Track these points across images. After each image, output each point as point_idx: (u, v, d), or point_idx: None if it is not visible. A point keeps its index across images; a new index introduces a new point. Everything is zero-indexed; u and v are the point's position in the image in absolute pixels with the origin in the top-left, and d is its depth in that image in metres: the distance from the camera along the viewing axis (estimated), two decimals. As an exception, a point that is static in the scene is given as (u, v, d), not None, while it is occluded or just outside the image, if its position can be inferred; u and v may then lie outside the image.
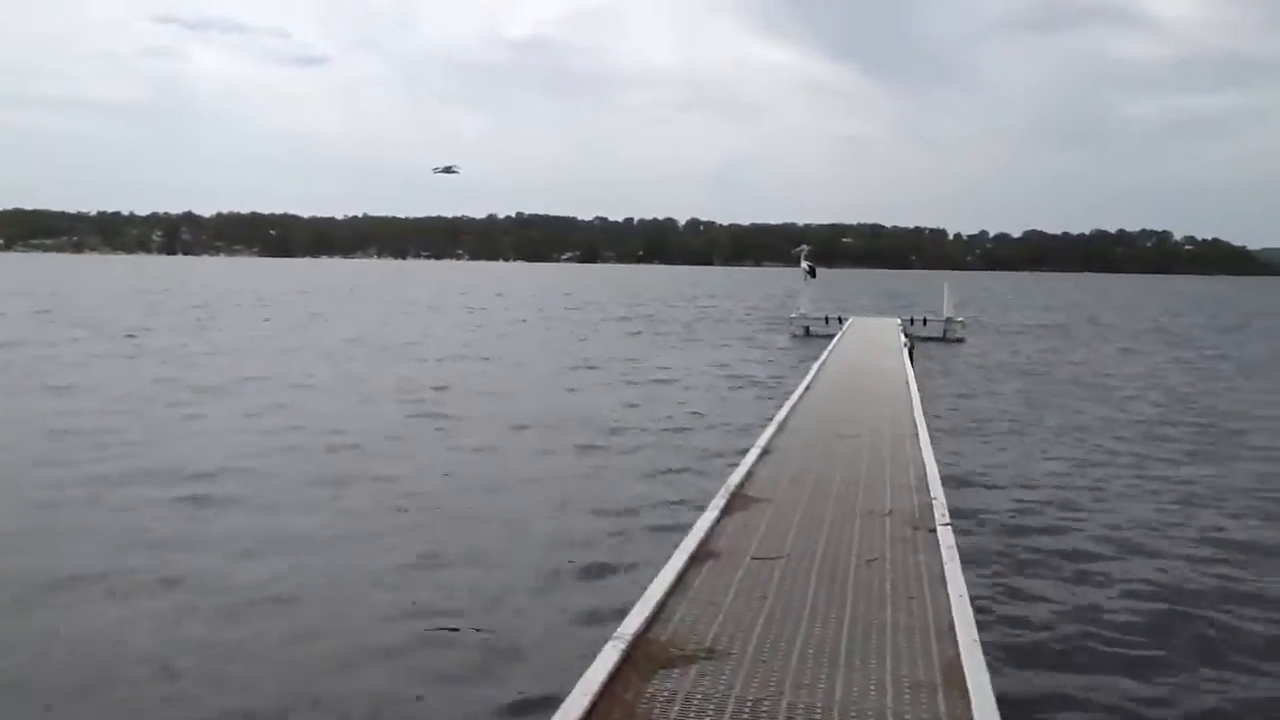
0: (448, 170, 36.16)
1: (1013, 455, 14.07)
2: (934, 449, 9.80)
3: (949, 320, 34.29)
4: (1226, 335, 42.74)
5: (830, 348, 21.09)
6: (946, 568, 6.00)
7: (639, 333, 35.95)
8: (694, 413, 17.01)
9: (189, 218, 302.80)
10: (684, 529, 7.03)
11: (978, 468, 13.01)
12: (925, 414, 12.32)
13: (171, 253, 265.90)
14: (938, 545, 6.51)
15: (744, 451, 9.80)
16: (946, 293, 34.98)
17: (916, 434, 10.70)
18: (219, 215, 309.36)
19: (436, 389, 19.24)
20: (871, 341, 24.26)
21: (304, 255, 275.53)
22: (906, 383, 15.49)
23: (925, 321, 34.45)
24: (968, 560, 6.80)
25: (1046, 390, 21.28)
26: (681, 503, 10.25)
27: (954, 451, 13.58)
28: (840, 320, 34.34)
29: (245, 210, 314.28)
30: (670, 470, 12.31)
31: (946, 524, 6.94)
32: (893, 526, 7.05)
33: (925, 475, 8.50)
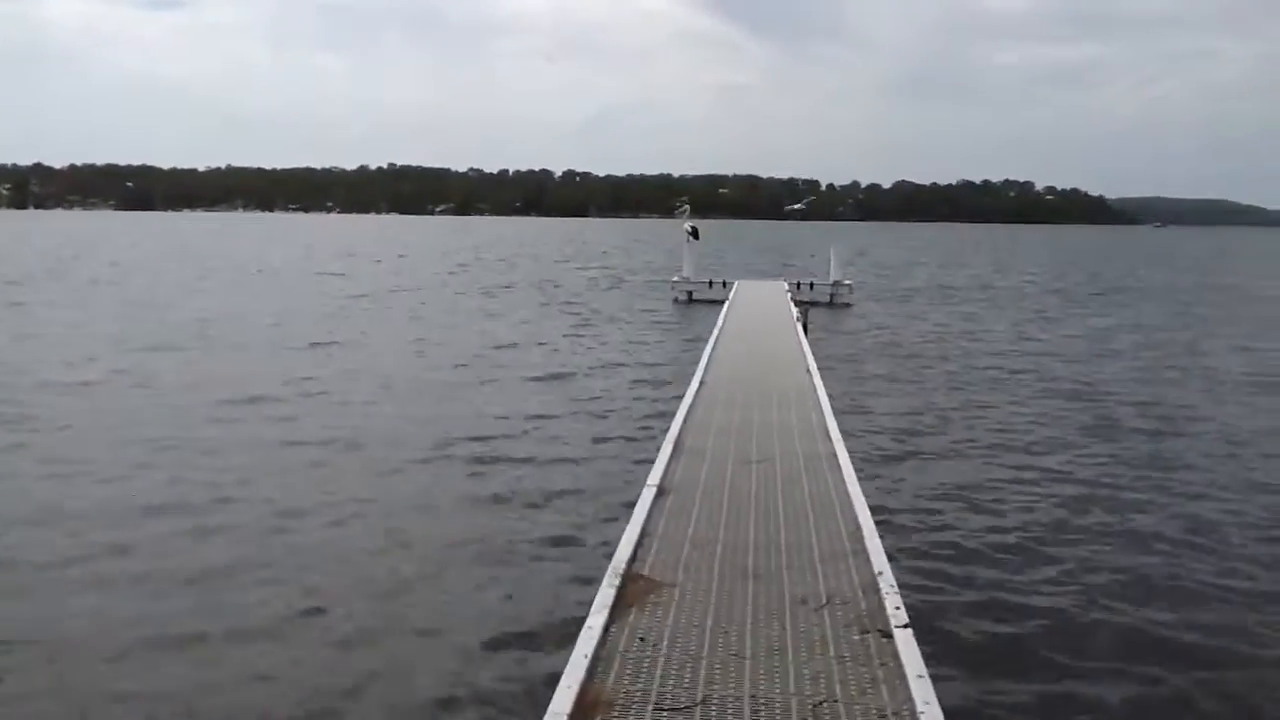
0: None
1: (960, 490, 11.21)
2: (861, 484, 8.11)
3: (836, 284, 33.11)
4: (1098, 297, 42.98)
5: (719, 324, 19.39)
6: (921, 709, 4.34)
7: (496, 313, 33.58)
8: (564, 438, 13.37)
9: (39, 169, 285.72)
10: (554, 657, 5.25)
11: (922, 516, 10.25)
12: (837, 420, 10.67)
13: (21, 206, 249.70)
14: (899, 661, 4.84)
15: (630, 505, 7.61)
16: (833, 255, 33.75)
17: (835, 456, 9.03)
18: (72, 167, 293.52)
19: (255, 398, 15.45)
20: (762, 314, 22.71)
21: (165, 209, 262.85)
22: (808, 371, 13.90)
23: (812, 285, 33.20)
24: (942, 677, 5.17)
25: (951, 376, 19.15)
26: (552, 610, 7.62)
27: (885, 483, 11.35)
28: (725, 285, 32.85)
29: (101, 162, 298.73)
30: (538, 544, 9.14)
31: (905, 626, 5.25)
32: (834, 627, 5.33)
33: (861, 533, 6.81)
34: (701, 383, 12.76)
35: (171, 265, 49.36)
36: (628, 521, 6.99)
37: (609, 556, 6.36)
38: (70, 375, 17.27)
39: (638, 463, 10.88)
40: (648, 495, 7.62)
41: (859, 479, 8.21)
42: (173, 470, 11.28)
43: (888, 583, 5.81)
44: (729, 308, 23.57)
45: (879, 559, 6.27)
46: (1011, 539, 9.58)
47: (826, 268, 35.10)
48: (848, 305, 32.52)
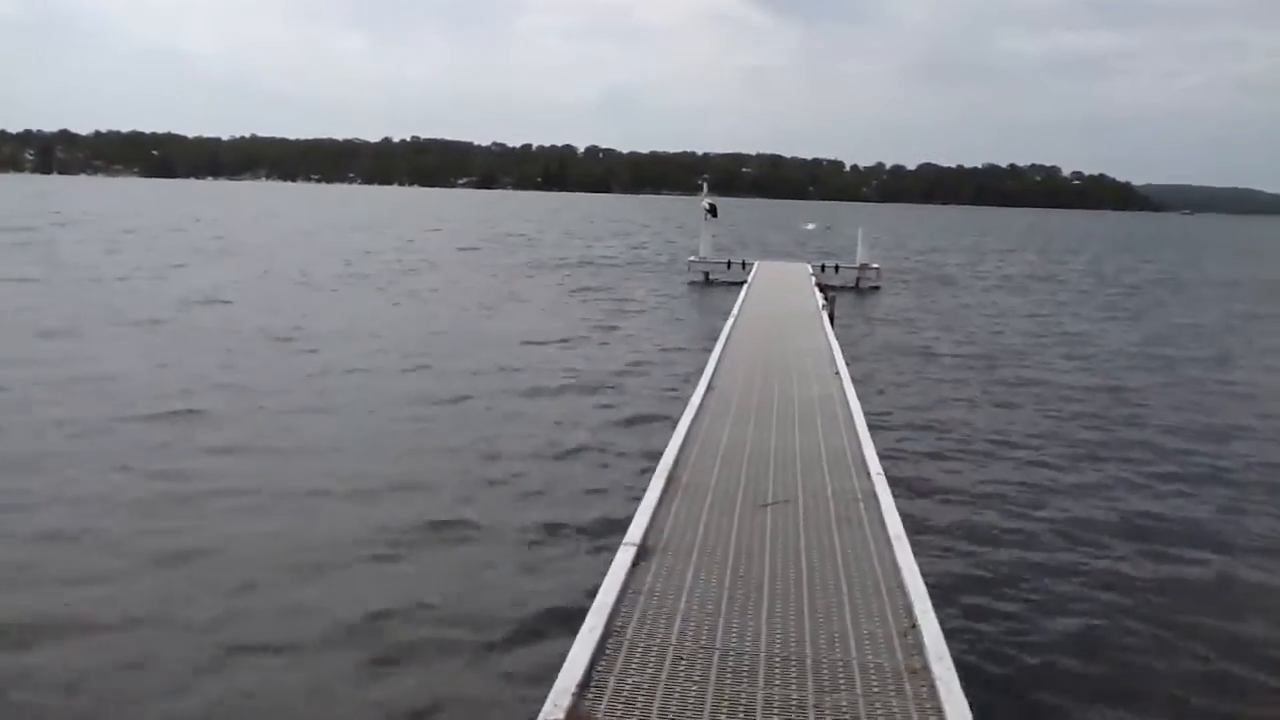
0: None
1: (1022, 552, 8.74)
2: (911, 538, 6.07)
3: (863, 268, 30.91)
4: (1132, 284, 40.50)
5: (734, 313, 17.27)
6: None
7: (498, 295, 31.38)
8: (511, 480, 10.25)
9: (64, 136, 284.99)
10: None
11: (991, 598, 7.79)
12: (875, 441, 8.61)
13: (46, 171, 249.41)
14: None
15: (598, 570, 5.56)
16: (860, 237, 31.50)
17: (875, 497, 7.00)
18: (97, 134, 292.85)
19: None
20: (782, 301, 20.57)
21: (188, 176, 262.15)
22: (837, 374, 11.81)
23: (838, 268, 30.98)
24: None
25: (1003, 385, 16.12)
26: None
27: (939, 543, 8.75)
28: (744, 265, 30.72)
29: (125, 129, 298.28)
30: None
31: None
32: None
33: (913, 619, 4.80)
34: (709, 388, 10.69)
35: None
36: (588, 607, 4.96)
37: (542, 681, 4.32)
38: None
39: (616, 503, 8.95)
40: (622, 560, 5.60)
41: (908, 530, 6.19)
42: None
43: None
44: (747, 292, 21.46)
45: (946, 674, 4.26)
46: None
47: (853, 249, 32.87)
48: (876, 289, 30.37)
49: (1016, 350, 19.93)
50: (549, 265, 35.85)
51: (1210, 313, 28.41)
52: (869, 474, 7.58)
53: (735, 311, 17.60)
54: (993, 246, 65.44)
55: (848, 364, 12.55)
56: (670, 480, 7.24)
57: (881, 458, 8.07)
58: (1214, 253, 70.23)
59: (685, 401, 10.01)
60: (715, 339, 14.56)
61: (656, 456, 7.96)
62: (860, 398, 10.43)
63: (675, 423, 9.13)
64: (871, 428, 9.10)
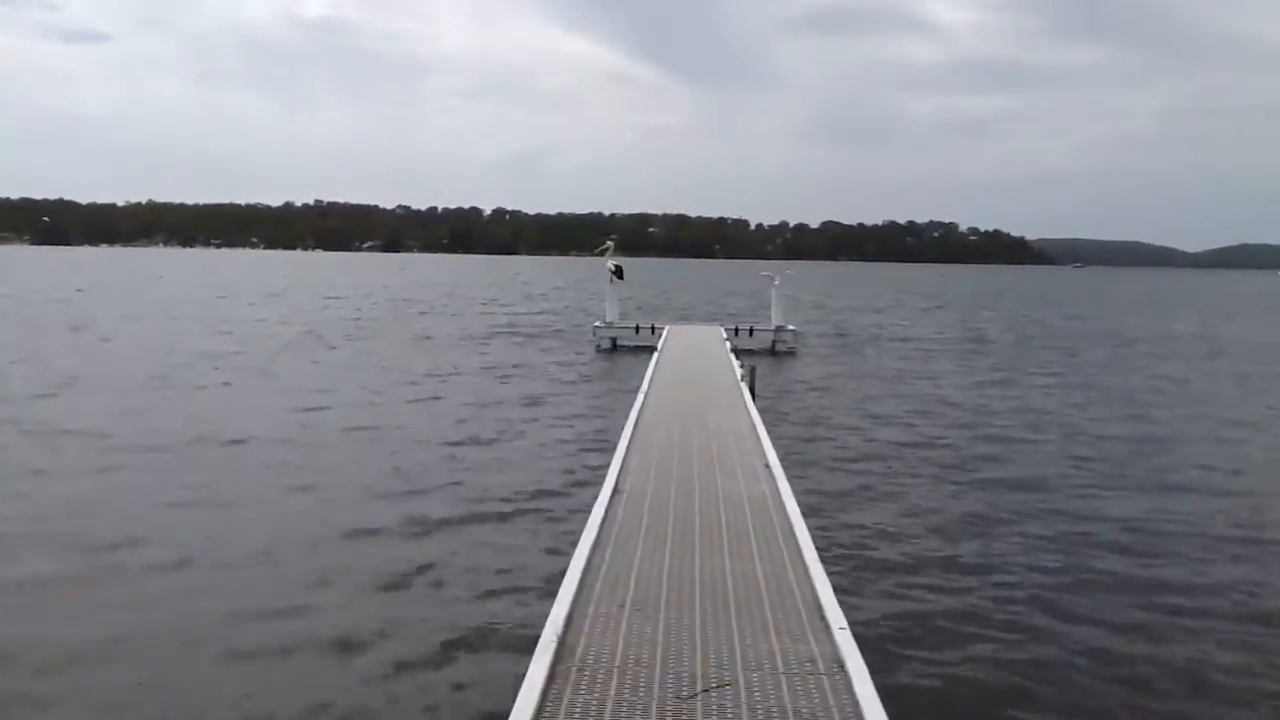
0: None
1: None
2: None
3: (779, 329, 29.35)
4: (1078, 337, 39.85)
5: (644, 388, 15.37)
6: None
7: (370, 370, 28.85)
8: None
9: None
10: None
11: None
12: (830, 574, 6.71)
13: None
14: None
15: None
16: (775, 297, 29.98)
17: (845, 669, 5.09)
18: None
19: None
20: (697, 371, 18.76)
21: (82, 243, 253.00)
22: (768, 467, 9.95)
23: (751, 331, 29.39)
24: None
25: (964, 484, 12.91)
26: None
27: None
28: (653, 330, 28.94)
29: (14, 195, 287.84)
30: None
31: None
32: None
33: None
34: (615, 492, 8.71)
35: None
36: None
37: None
38: None
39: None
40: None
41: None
42: None
43: None
44: (657, 362, 19.61)
45: None
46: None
47: (767, 311, 31.32)
48: (792, 352, 28.81)
49: (966, 432, 16.69)
50: (441, 338, 33.05)
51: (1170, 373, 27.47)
52: (827, 627, 5.66)
53: (645, 386, 15.68)
54: (909, 304, 64.79)
55: (778, 453, 10.69)
56: (558, 657, 5.21)
57: (841, 595, 6.18)
58: (1120, 305, 71.25)
59: (586, 514, 8.01)
60: (624, 418, 12.66)
61: (535, 624, 5.93)
62: (798, 499, 8.56)
63: (571, 547, 7.12)
64: (821, 548, 7.21)
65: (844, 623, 5.69)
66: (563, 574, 6.46)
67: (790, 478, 9.45)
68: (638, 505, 8.34)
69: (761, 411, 13.84)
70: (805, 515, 8.03)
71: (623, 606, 6.00)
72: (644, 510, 8.19)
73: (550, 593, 6.26)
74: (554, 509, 11.02)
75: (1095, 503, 12.12)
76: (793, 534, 7.46)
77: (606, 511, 8.01)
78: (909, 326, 42.95)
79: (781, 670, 5.15)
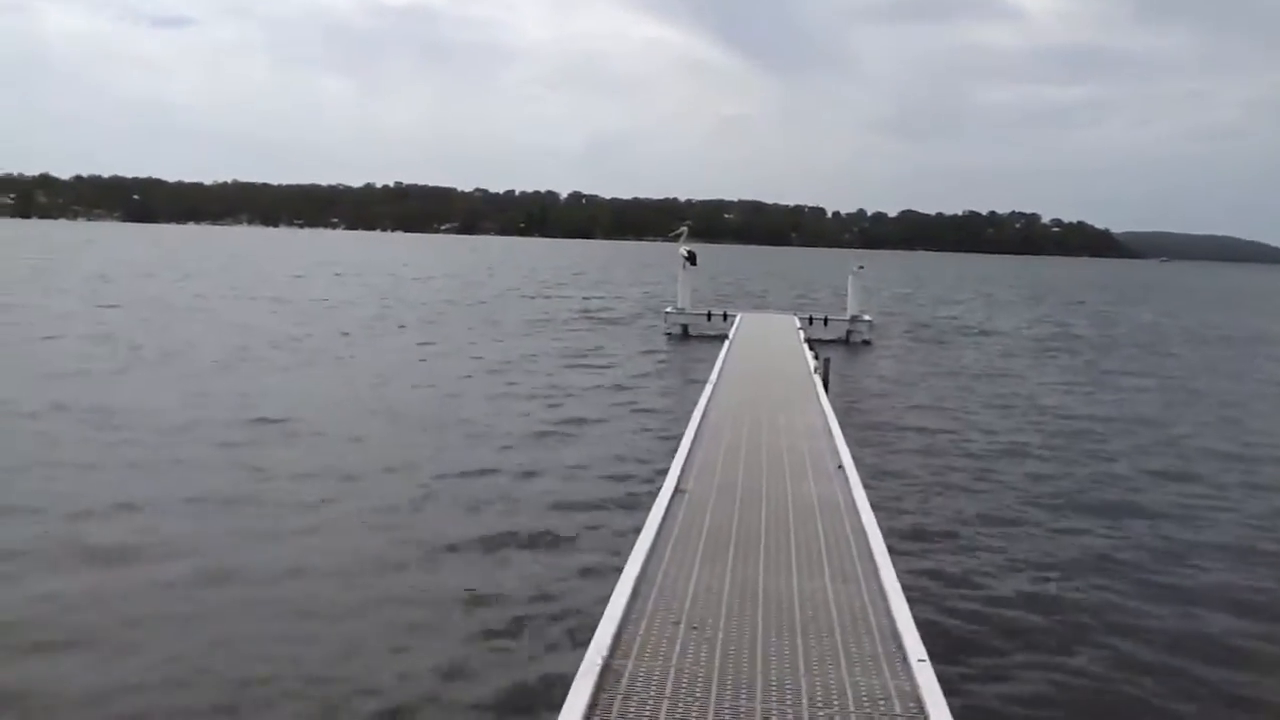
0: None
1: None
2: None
3: (854, 319, 28.50)
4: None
5: (712, 381, 14.75)
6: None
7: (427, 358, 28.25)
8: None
9: (45, 180, 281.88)
10: None
11: None
12: (903, 587, 6.09)
13: (26, 216, 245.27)
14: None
15: None
16: (851, 286, 29.12)
17: (920, 700, 4.50)
18: (78, 178, 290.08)
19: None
20: (769, 362, 18.11)
21: (169, 221, 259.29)
22: (841, 469, 9.31)
23: (826, 321, 28.59)
24: None
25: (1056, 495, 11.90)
26: None
27: None
28: (725, 317, 28.30)
29: (105, 174, 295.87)
30: None
31: None
32: None
33: None
34: (676, 492, 8.16)
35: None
36: None
37: None
38: None
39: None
40: None
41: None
42: None
43: None
44: (728, 352, 19.00)
45: None
46: None
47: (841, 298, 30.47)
48: (867, 343, 27.95)
49: (1056, 440, 15.37)
50: (511, 324, 32.72)
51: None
52: (905, 660, 5.04)
53: (714, 377, 15.09)
54: (991, 296, 62.89)
55: (851, 453, 10.03)
56: (603, 682, 4.68)
57: (921, 622, 5.56)
58: (1213, 302, 68.36)
59: (644, 514, 7.47)
60: (688, 413, 12.09)
61: (584, 635, 5.41)
62: (875, 506, 7.91)
63: (625, 553, 6.58)
64: (898, 564, 6.56)
65: (924, 654, 5.07)
66: (614, 584, 5.93)
67: (865, 482, 8.81)
68: (699, 508, 7.77)
69: (835, 406, 13.18)
70: (881, 525, 7.38)
71: (677, 624, 5.45)
72: (706, 513, 7.62)
73: (600, 603, 5.73)
74: (610, 509, 10.41)
75: (1213, 531, 10.70)
76: (868, 547, 6.82)
77: (666, 513, 7.46)
78: (990, 320, 41.54)
79: (852, 708, 4.56)
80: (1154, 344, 33.21)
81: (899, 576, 6.26)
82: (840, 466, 9.34)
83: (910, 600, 5.92)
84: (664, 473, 8.92)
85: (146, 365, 19.16)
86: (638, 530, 7.10)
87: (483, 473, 11.81)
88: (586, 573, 8.39)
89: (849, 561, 6.60)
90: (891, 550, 6.79)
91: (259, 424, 14.01)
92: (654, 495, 8.09)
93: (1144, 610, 8.23)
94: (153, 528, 9.30)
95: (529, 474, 11.77)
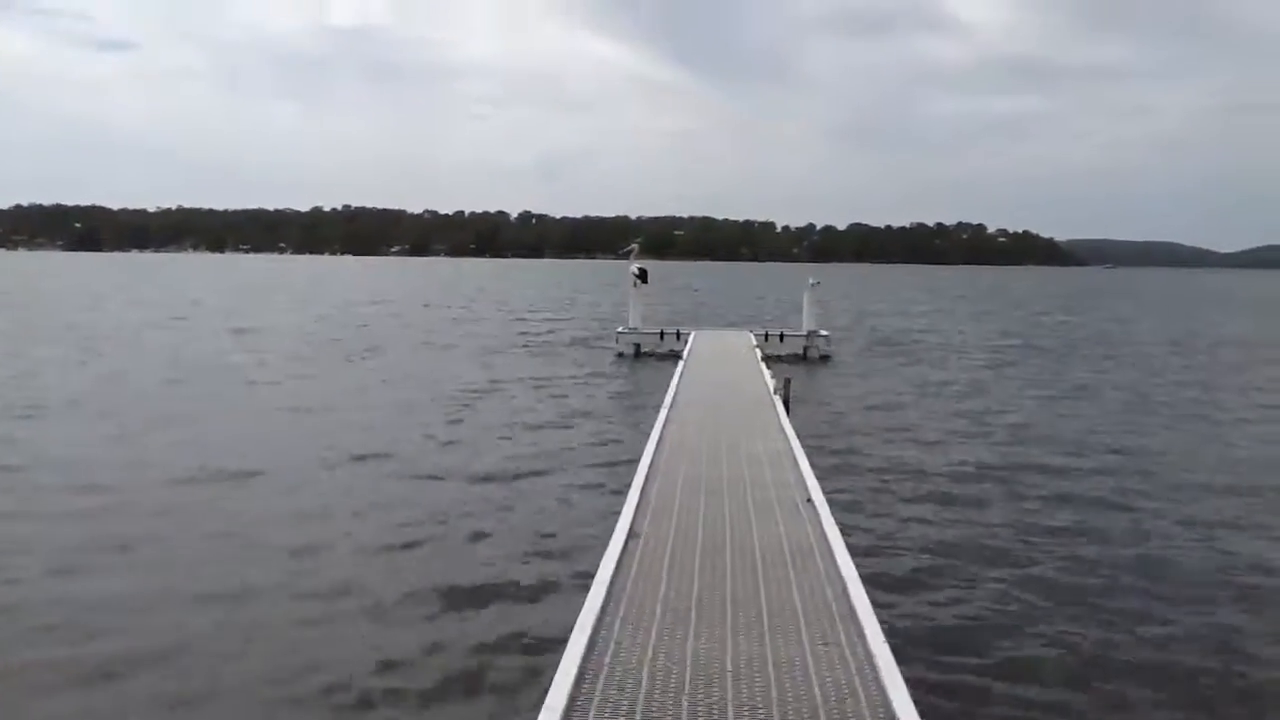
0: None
1: None
2: None
3: (811, 335, 27.79)
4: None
5: (666, 404, 13.95)
6: None
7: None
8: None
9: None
10: None
11: None
12: (893, 649, 5.26)
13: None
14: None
15: None
16: (807, 301, 28.43)
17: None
18: (18, 207, 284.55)
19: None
20: (726, 382, 17.33)
21: (114, 249, 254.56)
22: (809, 501, 8.49)
23: (782, 337, 27.87)
24: None
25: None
26: None
27: None
28: (679, 336, 27.49)
29: (48, 202, 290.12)
30: None
31: None
32: None
33: None
34: (630, 535, 7.28)
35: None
36: None
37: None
38: None
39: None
40: None
41: None
42: None
43: None
44: (683, 372, 18.18)
45: None
46: None
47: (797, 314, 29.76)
48: (826, 358, 27.25)
49: (1033, 459, 14.43)
50: (460, 348, 31.83)
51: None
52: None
53: (668, 402, 14.25)
54: (942, 307, 62.79)
55: (820, 483, 9.21)
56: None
57: (920, 699, 4.73)
58: (1164, 307, 68.82)
59: (595, 561, 6.57)
60: (642, 442, 11.21)
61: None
62: (851, 547, 7.09)
63: (565, 628, 5.65)
64: (885, 621, 5.72)
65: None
66: (556, 662, 5.04)
67: (837, 517, 7.99)
68: (655, 557, 6.89)
69: (797, 429, 12.37)
70: (859, 569, 6.53)
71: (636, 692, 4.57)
72: (663, 565, 6.74)
73: (536, 687, 4.82)
74: (554, 559, 9.20)
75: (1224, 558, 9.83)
76: (849, 603, 5.95)
77: (618, 566, 6.57)
78: (945, 331, 41.13)
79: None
80: (1118, 352, 32.82)
81: (886, 635, 5.44)
82: (809, 500, 8.52)
83: (901, 660, 5.11)
84: (616, 514, 8.02)
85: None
86: (586, 585, 6.21)
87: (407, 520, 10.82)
88: (528, 648, 7.18)
89: (828, 620, 5.75)
90: (875, 603, 5.93)
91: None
92: (604, 547, 7.16)
93: (1175, 672, 7.46)
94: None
95: (456, 518, 10.77)
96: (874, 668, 5.07)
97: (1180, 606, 8.43)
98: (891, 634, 5.61)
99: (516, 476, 12.55)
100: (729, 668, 5.09)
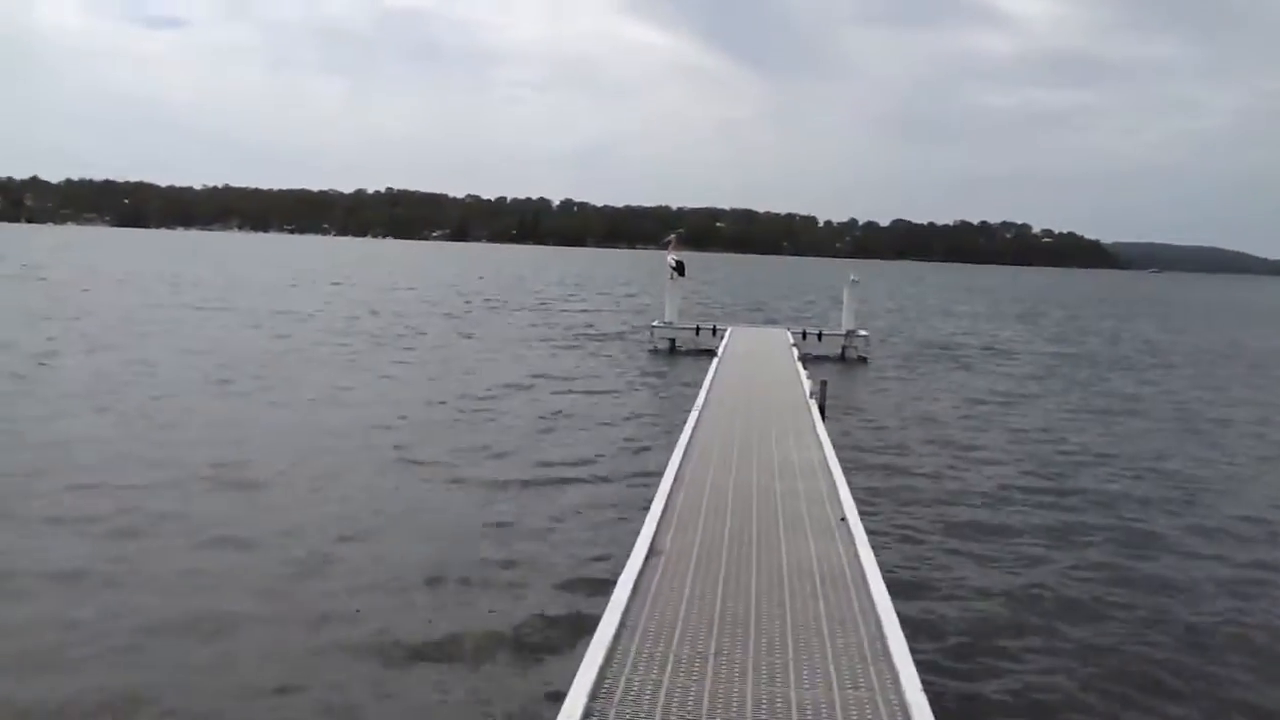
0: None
1: None
2: None
3: (850, 335, 27.21)
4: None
5: (698, 405, 13.52)
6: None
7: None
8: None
9: (35, 183, 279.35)
10: None
11: None
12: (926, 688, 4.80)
13: (14, 220, 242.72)
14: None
15: None
16: (846, 299, 27.84)
17: None
18: (68, 181, 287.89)
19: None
20: (761, 382, 16.83)
21: (159, 226, 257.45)
22: (844, 520, 8.03)
23: (820, 336, 27.33)
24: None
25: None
26: None
27: None
28: (715, 332, 27.01)
29: (98, 177, 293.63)
30: None
31: None
32: None
33: None
34: (651, 553, 6.87)
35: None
36: None
37: None
38: None
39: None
40: None
41: None
42: None
43: None
44: (716, 370, 17.72)
45: None
46: None
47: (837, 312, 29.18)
48: (864, 360, 26.67)
49: (1083, 480, 13.44)
50: (497, 341, 31.23)
51: None
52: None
53: (699, 403, 13.81)
54: (987, 308, 61.57)
55: (855, 499, 8.74)
56: None
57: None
58: (1218, 317, 66.82)
59: (605, 594, 6.16)
60: (669, 446, 10.79)
61: None
62: (888, 577, 6.62)
63: (575, 660, 5.24)
64: (921, 658, 5.27)
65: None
66: (563, 696, 4.65)
67: (872, 540, 7.53)
68: (677, 579, 6.47)
69: (833, 437, 11.90)
70: (896, 607, 6.04)
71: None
72: (685, 586, 6.33)
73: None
74: (572, 591, 8.38)
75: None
76: (883, 643, 5.49)
77: (634, 588, 6.16)
78: (989, 333, 40.25)
79: None
80: (1175, 364, 31.61)
81: (923, 683, 4.99)
82: (843, 519, 8.06)
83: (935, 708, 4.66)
84: (636, 531, 7.58)
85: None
86: (601, 607, 5.82)
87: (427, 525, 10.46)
88: (529, 693, 6.54)
89: (860, 661, 5.30)
90: (912, 649, 5.44)
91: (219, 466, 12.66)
92: (623, 563, 6.75)
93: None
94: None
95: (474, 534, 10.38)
96: (908, 718, 4.63)
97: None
98: (927, 678, 5.16)
99: (534, 484, 11.97)
100: (749, 714, 4.67)
